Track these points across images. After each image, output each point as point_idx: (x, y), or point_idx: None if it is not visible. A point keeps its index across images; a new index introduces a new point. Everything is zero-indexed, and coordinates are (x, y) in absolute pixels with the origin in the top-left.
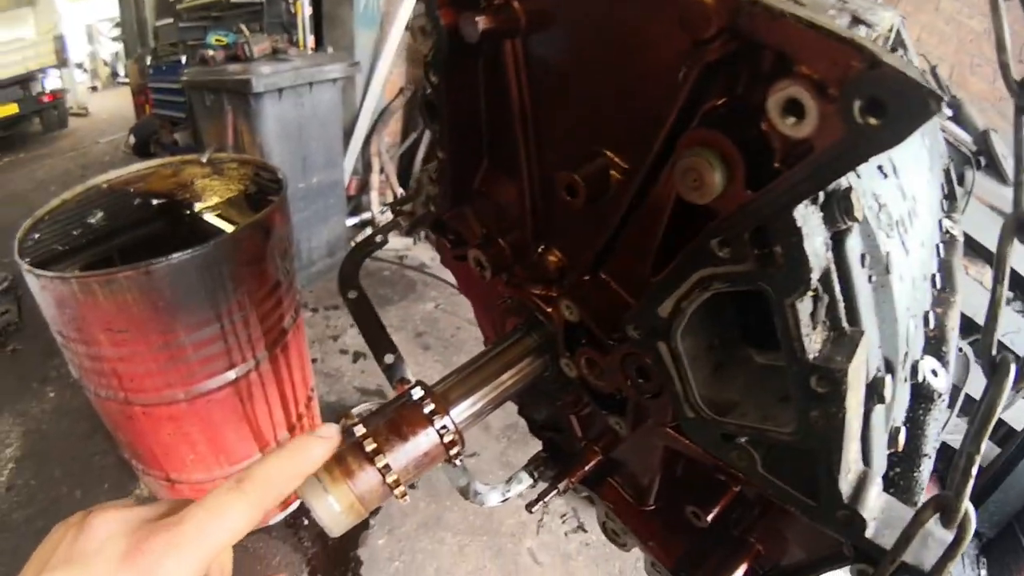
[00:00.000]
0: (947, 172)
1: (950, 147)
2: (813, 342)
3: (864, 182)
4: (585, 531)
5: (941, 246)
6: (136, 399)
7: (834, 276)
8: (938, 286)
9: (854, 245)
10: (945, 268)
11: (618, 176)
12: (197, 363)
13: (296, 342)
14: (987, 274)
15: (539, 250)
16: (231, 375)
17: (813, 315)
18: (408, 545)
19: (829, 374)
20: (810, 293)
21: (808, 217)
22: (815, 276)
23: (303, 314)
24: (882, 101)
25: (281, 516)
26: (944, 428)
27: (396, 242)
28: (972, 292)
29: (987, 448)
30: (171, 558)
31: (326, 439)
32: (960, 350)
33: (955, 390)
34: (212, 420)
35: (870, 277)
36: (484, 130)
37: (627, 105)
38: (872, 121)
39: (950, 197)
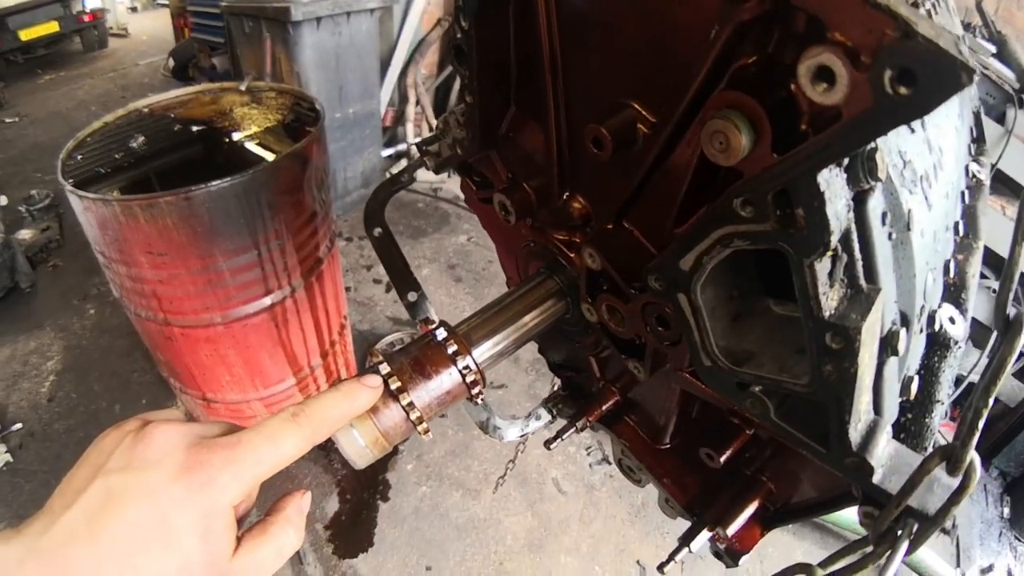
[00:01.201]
0: (977, 115)
1: (991, 84)
2: (830, 300)
3: (890, 139)
4: (610, 463)
5: (966, 192)
6: (175, 320)
7: (854, 236)
8: (960, 233)
9: (876, 204)
10: (969, 214)
11: (645, 130)
12: (234, 288)
13: (331, 271)
14: None
15: (564, 197)
16: (267, 301)
17: (831, 274)
18: (435, 471)
19: (844, 331)
20: (829, 253)
21: (832, 181)
22: (835, 238)
23: (338, 243)
24: (913, 72)
25: None
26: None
27: (431, 174)
28: (1011, 234)
29: (1015, 388)
30: (227, 474)
31: (372, 388)
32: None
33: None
34: (248, 344)
35: (890, 235)
36: (513, 76)
37: (658, 59)
38: (902, 91)
39: (978, 140)
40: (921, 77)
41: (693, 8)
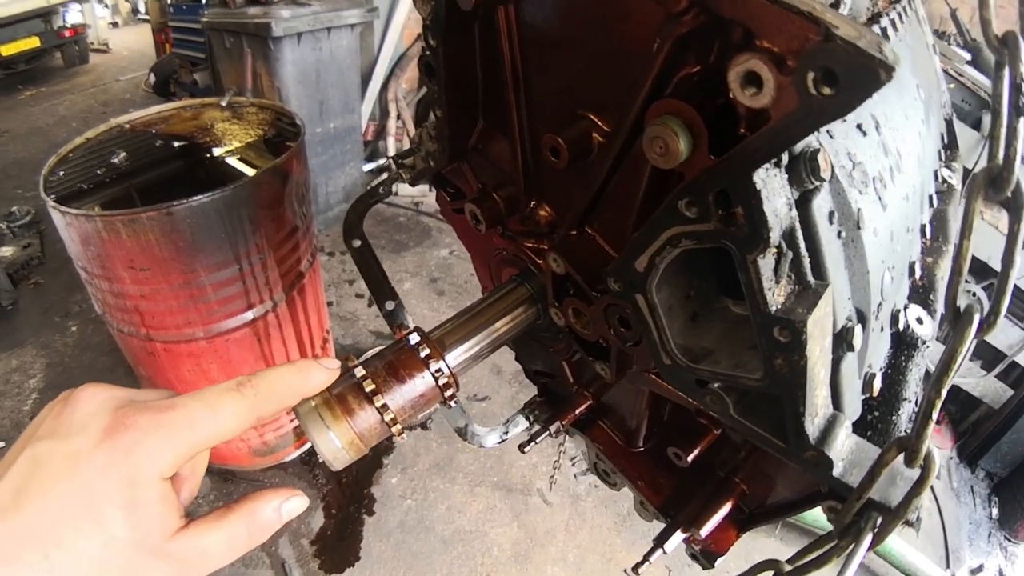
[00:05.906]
0: (948, 122)
1: (966, 91)
2: (776, 295)
3: (837, 142)
4: None
5: (935, 196)
6: (157, 336)
7: (799, 233)
8: (929, 236)
9: (822, 203)
10: (938, 218)
11: (600, 139)
12: (216, 303)
13: (312, 285)
14: (1003, 219)
15: (531, 205)
16: (249, 315)
17: (776, 270)
18: (420, 484)
19: (790, 325)
20: (772, 250)
21: (769, 180)
22: (775, 235)
23: (320, 258)
24: (834, 72)
25: (296, 453)
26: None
27: (412, 188)
28: (987, 237)
29: (1000, 390)
30: (154, 438)
31: (328, 369)
32: (973, 294)
33: None
34: (230, 358)
35: (839, 233)
36: (480, 91)
37: (608, 72)
38: (826, 91)
39: (950, 146)
40: (842, 77)
41: (638, 24)
